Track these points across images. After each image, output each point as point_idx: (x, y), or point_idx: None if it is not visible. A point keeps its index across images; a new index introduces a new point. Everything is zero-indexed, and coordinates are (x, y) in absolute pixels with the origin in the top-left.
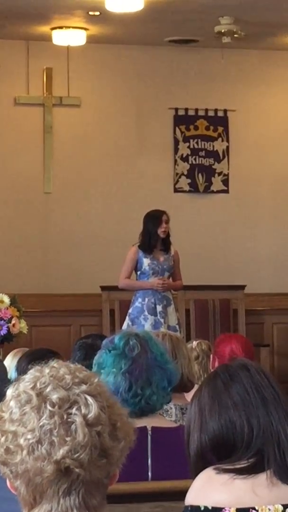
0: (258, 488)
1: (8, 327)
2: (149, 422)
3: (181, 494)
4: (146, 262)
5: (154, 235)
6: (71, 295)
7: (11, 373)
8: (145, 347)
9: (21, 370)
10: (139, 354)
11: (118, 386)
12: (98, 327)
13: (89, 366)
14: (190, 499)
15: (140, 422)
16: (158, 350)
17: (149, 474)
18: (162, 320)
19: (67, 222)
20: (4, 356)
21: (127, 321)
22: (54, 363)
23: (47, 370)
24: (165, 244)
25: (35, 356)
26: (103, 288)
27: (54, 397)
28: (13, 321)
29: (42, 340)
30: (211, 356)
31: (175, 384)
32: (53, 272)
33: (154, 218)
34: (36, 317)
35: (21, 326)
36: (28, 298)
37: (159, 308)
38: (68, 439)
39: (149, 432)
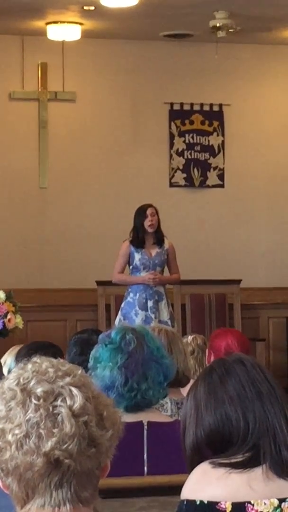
0: (254, 482)
1: (3, 322)
2: (145, 417)
3: (177, 489)
4: (137, 257)
5: (141, 228)
6: (67, 290)
7: (10, 364)
8: (142, 342)
9: (19, 360)
10: (135, 348)
11: (114, 380)
12: (94, 322)
13: (85, 362)
14: (186, 493)
15: (136, 417)
16: (155, 344)
17: (145, 468)
18: (152, 316)
19: (62, 217)
20: None
21: (119, 316)
22: (36, 359)
23: (29, 366)
24: (157, 238)
25: (34, 347)
26: (99, 283)
27: (39, 390)
28: (8, 316)
29: (37, 335)
30: (207, 350)
31: (171, 379)
32: (48, 267)
33: (140, 212)
34: (31, 312)
35: (17, 321)
36: (24, 293)
37: (150, 303)
38: (55, 430)
39: (145, 427)
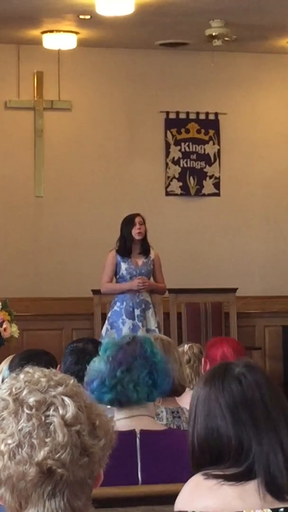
0: (246, 494)
1: None
2: (137, 425)
3: (171, 498)
4: (123, 266)
5: (128, 237)
6: (63, 298)
7: (5, 373)
8: (138, 341)
9: (13, 368)
10: (128, 343)
11: (101, 370)
12: (89, 330)
13: (81, 371)
14: (179, 504)
15: (128, 425)
16: (151, 347)
17: (139, 477)
18: (140, 324)
19: (58, 226)
20: None
21: (106, 325)
22: (28, 369)
23: (22, 376)
24: (143, 247)
25: (28, 355)
26: (95, 291)
27: (31, 400)
28: (4, 325)
29: (33, 344)
30: (203, 359)
31: (162, 386)
32: (44, 275)
33: (128, 221)
34: (27, 321)
35: (13, 330)
36: (20, 302)
37: (137, 312)
38: (47, 440)
39: (138, 435)
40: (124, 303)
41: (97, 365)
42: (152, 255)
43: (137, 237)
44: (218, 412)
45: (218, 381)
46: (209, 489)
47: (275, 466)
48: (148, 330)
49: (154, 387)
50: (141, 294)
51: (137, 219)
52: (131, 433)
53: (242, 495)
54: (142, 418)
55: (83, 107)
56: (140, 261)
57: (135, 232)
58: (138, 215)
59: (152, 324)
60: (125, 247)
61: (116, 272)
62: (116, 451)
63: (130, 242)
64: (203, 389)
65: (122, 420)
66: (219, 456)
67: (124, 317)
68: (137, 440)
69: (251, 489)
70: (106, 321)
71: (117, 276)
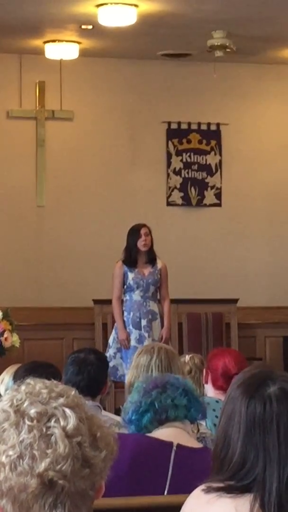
0: (242, 508)
1: (0, 340)
2: (175, 438)
3: (174, 510)
4: (130, 276)
5: (134, 248)
6: (64, 308)
7: (8, 383)
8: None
9: (17, 379)
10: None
11: (136, 399)
12: (90, 340)
13: (82, 381)
14: None
15: (166, 435)
16: (182, 378)
17: (166, 489)
18: (146, 334)
19: (59, 236)
20: None
21: (113, 334)
22: (29, 380)
23: (23, 387)
24: (149, 257)
25: (32, 366)
26: (96, 301)
27: (32, 411)
28: (5, 335)
29: (34, 353)
30: (204, 370)
31: (197, 408)
32: (45, 285)
33: (134, 232)
34: (28, 331)
35: (14, 339)
36: (21, 312)
37: (143, 322)
38: (49, 451)
39: (174, 449)
40: (131, 313)
41: (130, 399)
42: (159, 265)
43: (142, 248)
44: (236, 423)
45: (247, 392)
46: (207, 502)
47: (274, 496)
48: (154, 341)
49: (189, 407)
50: (148, 304)
51: (142, 231)
52: (169, 445)
53: (238, 508)
54: (181, 431)
55: (85, 117)
56: (147, 270)
57: (140, 243)
58: (144, 226)
59: (158, 335)
60: (131, 258)
61: (123, 282)
62: (151, 458)
63: (136, 252)
64: (236, 390)
65: (161, 429)
66: (221, 463)
67: (131, 327)
68: (173, 453)
69: (247, 501)
70: (113, 330)
71: (125, 286)
